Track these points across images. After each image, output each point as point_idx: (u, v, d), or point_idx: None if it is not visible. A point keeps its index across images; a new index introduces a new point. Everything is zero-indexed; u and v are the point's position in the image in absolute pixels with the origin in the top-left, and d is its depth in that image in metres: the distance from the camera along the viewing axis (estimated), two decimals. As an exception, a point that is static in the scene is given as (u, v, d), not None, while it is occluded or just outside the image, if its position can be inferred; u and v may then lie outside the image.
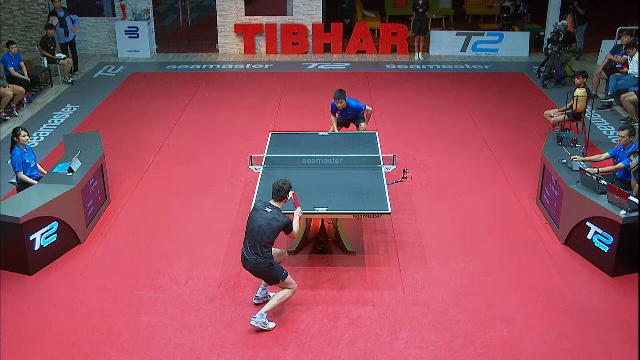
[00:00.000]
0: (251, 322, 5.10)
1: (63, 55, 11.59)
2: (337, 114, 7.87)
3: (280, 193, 5.14)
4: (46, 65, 11.28)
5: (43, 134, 9.30)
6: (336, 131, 7.82)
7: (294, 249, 6.18)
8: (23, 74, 10.38)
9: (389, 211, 5.72)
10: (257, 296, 5.46)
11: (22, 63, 10.48)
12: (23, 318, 5.29)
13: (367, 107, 7.92)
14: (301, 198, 5.59)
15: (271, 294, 5.34)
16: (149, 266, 6.01)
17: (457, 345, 4.95)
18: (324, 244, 6.26)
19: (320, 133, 7.56)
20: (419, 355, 4.85)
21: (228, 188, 7.59)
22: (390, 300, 5.49)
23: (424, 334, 5.07)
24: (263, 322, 5.10)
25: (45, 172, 6.74)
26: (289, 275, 5.19)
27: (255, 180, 6.48)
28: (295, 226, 5.20)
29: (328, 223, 6.31)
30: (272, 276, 5.12)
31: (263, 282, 5.41)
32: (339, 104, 7.61)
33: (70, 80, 11.59)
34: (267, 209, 5.10)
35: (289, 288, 5.21)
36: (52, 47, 11.42)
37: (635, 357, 4.79)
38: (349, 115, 7.86)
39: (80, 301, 5.52)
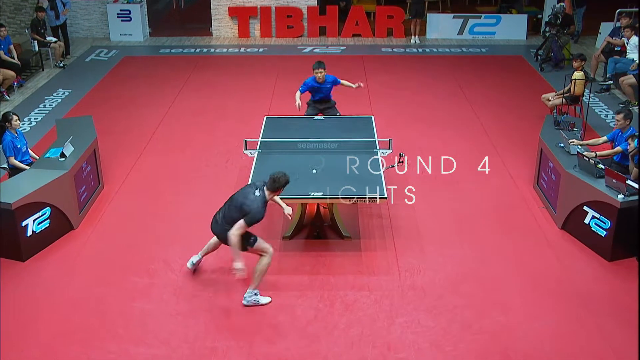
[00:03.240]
0: (243, 303, 5.10)
1: (54, 39, 11.44)
2: (310, 94, 7.44)
3: (274, 184, 5.01)
4: (37, 49, 11.13)
5: (35, 118, 9.21)
6: (300, 102, 7.30)
7: (289, 234, 6.15)
8: (13, 58, 10.24)
9: (385, 196, 5.70)
10: (192, 262, 5.59)
11: (11, 47, 10.33)
12: (16, 305, 5.25)
13: (348, 82, 7.65)
14: (296, 183, 5.55)
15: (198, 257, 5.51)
16: (143, 252, 5.97)
17: (454, 331, 4.94)
18: (319, 229, 6.23)
19: (316, 117, 7.49)
20: (416, 340, 4.84)
21: (222, 173, 7.53)
22: (386, 285, 5.47)
23: (420, 319, 5.06)
24: (254, 300, 5.10)
25: (37, 158, 6.67)
26: (258, 239, 5.10)
27: (250, 164, 6.42)
28: (235, 243, 4.94)
29: (324, 208, 6.27)
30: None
31: (203, 249, 5.56)
32: (319, 75, 7.29)
33: (61, 64, 11.45)
34: (256, 192, 5.01)
35: (263, 254, 5.13)
36: (42, 30, 11.26)
37: (633, 341, 4.79)
38: (324, 95, 7.52)
39: (74, 287, 5.48)
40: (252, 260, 5.20)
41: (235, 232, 4.92)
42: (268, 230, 6.24)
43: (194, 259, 5.62)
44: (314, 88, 7.48)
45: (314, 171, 6.04)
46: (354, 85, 7.72)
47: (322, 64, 7.37)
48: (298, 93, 7.39)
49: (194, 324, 5.03)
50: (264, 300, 5.15)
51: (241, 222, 4.93)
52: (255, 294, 5.14)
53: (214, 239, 5.45)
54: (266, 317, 5.09)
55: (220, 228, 5.08)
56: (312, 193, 5.66)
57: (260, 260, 5.14)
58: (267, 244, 5.18)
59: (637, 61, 9.15)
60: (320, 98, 7.59)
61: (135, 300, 5.30)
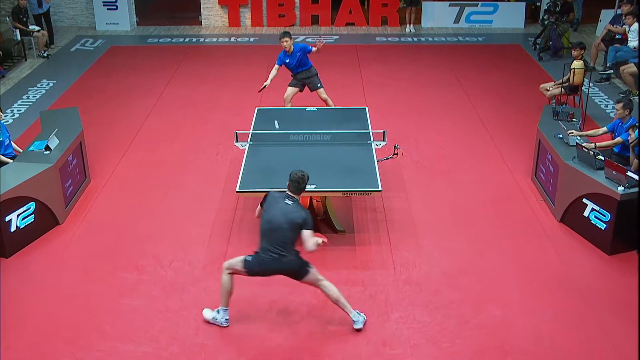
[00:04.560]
0: (355, 327, 4.77)
1: (37, 28, 11.24)
2: (285, 67, 7.75)
3: (300, 186, 4.69)
4: (19, 38, 10.90)
5: (18, 110, 9.05)
6: (268, 84, 7.71)
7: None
8: (-7, 48, 10.07)
9: (380, 189, 5.62)
10: (227, 318, 4.84)
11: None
12: (-1, 303, 5.11)
13: (313, 48, 7.76)
14: (289, 175, 5.42)
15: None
16: (132, 247, 5.85)
17: (450, 326, 4.86)
18: (313, 223, 6.12)
19: (308, 109, 7.41)
20: (411, 336, 4.76)
21: (213, 166, 7.41)
22: (381, 280, 5.39)
23: (416, 315, 4.98)
24: (363, 319, 4.81)
25: (21, 151, 6.53)
26: (313, 268, 4.73)
27: (241, 157, 6.32)
28: (313, 241, 4.57)
29: (317, 201, 6.18)
30: (300, 269, 4.66)
31: (225, 298, 4.81)
32: (285, 44, 7.58)
33: (45, 54, 11.25)
34: (288, 201, 4.63)
35: (321, 279, 4.73)
36: (24, 19, 11.06)
37: (632, 336, 4.71)
38: (300, 65, 7.74)
39: (60, 284, 5.36)
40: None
41: (311, 243, 4.56)
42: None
43: (226, 315, 4.86)
44: (286, 60, 7.74)
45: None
46: (315, 49, 7.78)
47: (288, 33, 7.72)
48: (274, 68, 7.76)
49: (183, 320, 4.92)
50: (361, 318, 4.80)
51: (307, 231, 4.55)
52: (358, 314, 4.80)
53: (227, 281, 4.78)
54: (258, 313, 4.98)
55: (283, 259, 4.59)
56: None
57: (327, 287, 4.73)
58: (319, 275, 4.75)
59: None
60: (297, 69, 7.82)
61: (123, 296, 5.19)
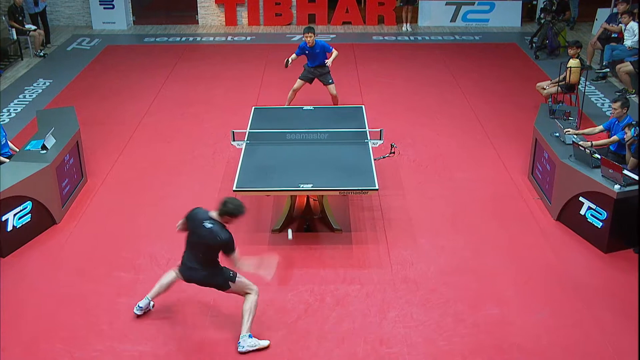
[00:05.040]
0: (239, 350, 4.54)
1: (33, 27, 11.18)
2: (305, 57, 8.22)
3: (223, 207, 4.45)
4: (15, 37, 10.85)
5: (14, 109, 9.00)
6: (294, 57, 8.24)
7: (279, 227, 6.03)
8: (-11, 46, 10.02)
9: (377, 187, 5.60)
10: (140, 306, 4.88)
11: (-12, 35, 10.10)
12: (-5, 302, 5.09)
13: (333, 49, 8.25)
14: (285, 174, 5.43)
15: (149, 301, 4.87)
16: (129, 247, 5.83)
17: (447, 324, 4.86)
18: (309, 222, 6.11)
19: (305, 107, 7.39)
20: (408, 334, 4.75)
21: (210, 165, 7.39)
22: (378, 278, 5.38)
23: (412, 313, 4.98)
24: (252, 344, 4.55)
25: (17, 150, 6.51)
26: (237, 275, 4.57)
27: (237, 156, 6.30)
28: (246, 265, 4.49)
29: (314, 200, 6.17)
30: (219, 282, 4.56)
31: (153, 291, 4.85)
32: (308, 39, 8.01)
33: (42, 54, 11.19)
34: (207, 223, 4.44)
35: (248, 291, 4.60)
36: (20, 18, 10.99)
37: (629, 334, 4.72)
38: (317, 60, 8.17)
39: (57, 284, 5.34)
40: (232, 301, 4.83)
41: (241, 265, 4.50)
42: (257, 223, 6.11)
43: (142, 303, 4.90)
44: (306, 52, 8.17)
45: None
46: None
47: (312, 29, 8.15)
48: (293, 55, 8.25)
49: (181, 319, 4.91)
50: (264, 342, 4.58)
51: (227, 250, 4.44)
52: (250, 338, 4.56)
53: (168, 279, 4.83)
54: (255, 313, 4.96)
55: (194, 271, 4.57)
56: (302, 185, 5.55)
57: (246, 298, 4.59)
58: (248, 281, 4.60)
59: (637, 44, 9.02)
60: (315, 62, 8.23)
61: (120, 295, 5.17)
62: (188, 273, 4.64)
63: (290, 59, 8.19)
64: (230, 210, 4.44)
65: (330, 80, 8.28)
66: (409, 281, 5.35)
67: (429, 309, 5.02)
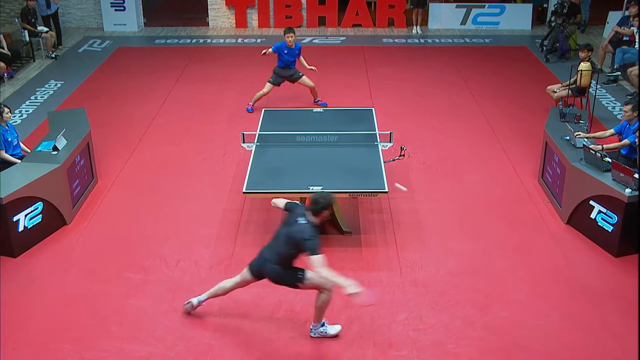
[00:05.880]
0: (311, 335, 4.74)
1: (45, 29, 11.28)
2: (279, 57, 8.44)
3: (316, 206, 4.49)
4: (27, 39, 10.94)
5: (26, 111, 9.07)
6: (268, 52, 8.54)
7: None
8: (3, 48, 10.10)
9: (386, 190, 5.60)
10: (193, 303, 4.93)
11: (1, 36, 10.17)
12: (7, 302, 5.12)
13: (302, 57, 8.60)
14: (295, 177, 5.42)
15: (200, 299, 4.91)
16: (138, 248, 5.85)
17: (456, 327, 4.83)
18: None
19: (315, 110, 7.40)
20: (417, 337, 4.74)
21: (219, 166, 7.41)
22: (387, 281, 5.37)
23: (422, 316, 4.96)
24: (322, 332, 4.70)
25: (29, 151, 6.55)
26: (306, 277, 4.50)
27: (247, 158, 6.31)
28: (326, 273, 4.29)
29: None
30: (286, 282, 4.59)
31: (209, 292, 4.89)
32: (289, 39, 8.20)
33: (53, 55, 11.28)
34: (302, 219, 4.48)
35: (321, 290, 4.53)
36: (33, 20, 11.09)
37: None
38: (289, 61, 8.42)
39: (67, 284, 5.36)
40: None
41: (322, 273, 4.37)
42: (266, 225, 6.11)
43: (195, 300, 4.97)
44: (284, 51, 8.37)
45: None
46: (307, 67, 8.52)
47: (293, 29, 8.41)
48: (270, 50, 8.51)
49: (190, 321, 4.92)
50: (332, 330, 4.69)
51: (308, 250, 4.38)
52: (323, 325, 4.72)
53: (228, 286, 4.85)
54: (264, 314, 4.98)
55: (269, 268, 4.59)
56: (312, 187, 5.53)
57: (318, 297, 4.58)
58: (323, 280, 4.46)
59: None
60: (286, 63, 8.48)
61: (129, 296, 5.19)
62: (260, 264, 4.60)
63: (267, 51, 8.51)
64: (323, 205, 4.50)
65: (300, 73, 8.52)
66: (418, 284, 5.33)
67: (438, 312, 5.00)
